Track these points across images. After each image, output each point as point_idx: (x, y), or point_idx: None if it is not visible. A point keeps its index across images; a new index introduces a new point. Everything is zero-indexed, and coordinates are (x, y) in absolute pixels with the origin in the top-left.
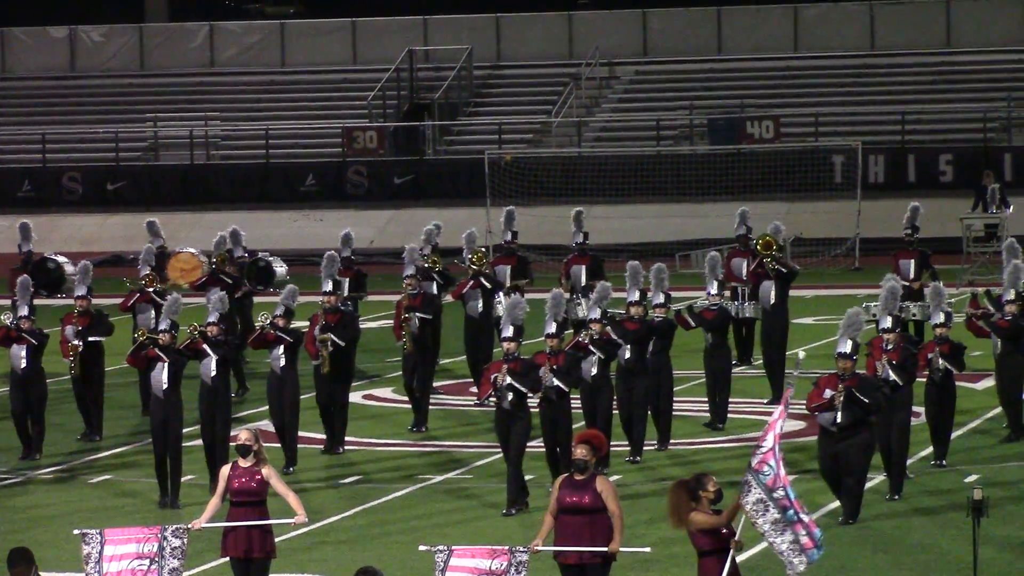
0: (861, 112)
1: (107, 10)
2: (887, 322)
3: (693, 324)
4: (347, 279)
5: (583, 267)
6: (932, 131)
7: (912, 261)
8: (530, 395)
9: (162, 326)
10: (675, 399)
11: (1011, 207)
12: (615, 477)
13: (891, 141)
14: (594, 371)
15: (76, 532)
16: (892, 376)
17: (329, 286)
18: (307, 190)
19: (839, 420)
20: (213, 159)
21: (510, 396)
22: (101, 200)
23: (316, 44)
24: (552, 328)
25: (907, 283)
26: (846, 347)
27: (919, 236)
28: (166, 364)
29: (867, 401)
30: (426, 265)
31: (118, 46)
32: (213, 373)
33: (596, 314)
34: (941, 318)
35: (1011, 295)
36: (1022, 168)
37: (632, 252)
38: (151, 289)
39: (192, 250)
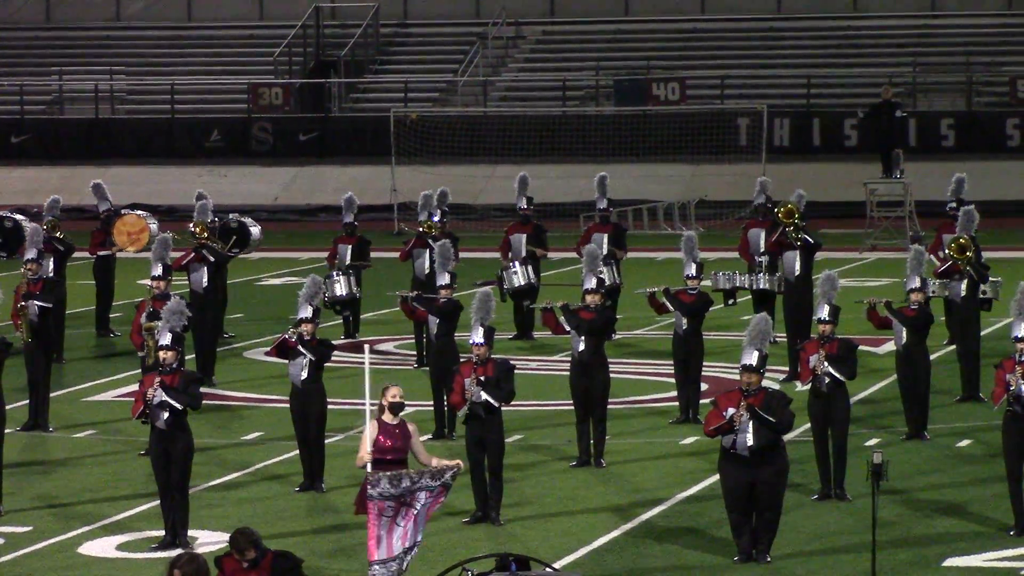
0: (767, 75)
1: None
2: (1021, 330)
3: (670, 307)
4: (349, 246)
5: (604, 235)
6: (837, 95)
7: None
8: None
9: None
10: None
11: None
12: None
13: (796, 105)
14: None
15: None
16: None
17: (159, 270)
18: (212, 146)
19: (751, 443)
20: (118, 113)
21: (164, 415)
22: (5, 153)
23: None
24: (479, 336)
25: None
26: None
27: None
28: None
29: (773, 420)
30: (420, 230)
31: None
32: None
33: (592, 283)
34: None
35: (916, 283)
36: (926, 133)
37: (537, 213)
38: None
39: (140, 212)
